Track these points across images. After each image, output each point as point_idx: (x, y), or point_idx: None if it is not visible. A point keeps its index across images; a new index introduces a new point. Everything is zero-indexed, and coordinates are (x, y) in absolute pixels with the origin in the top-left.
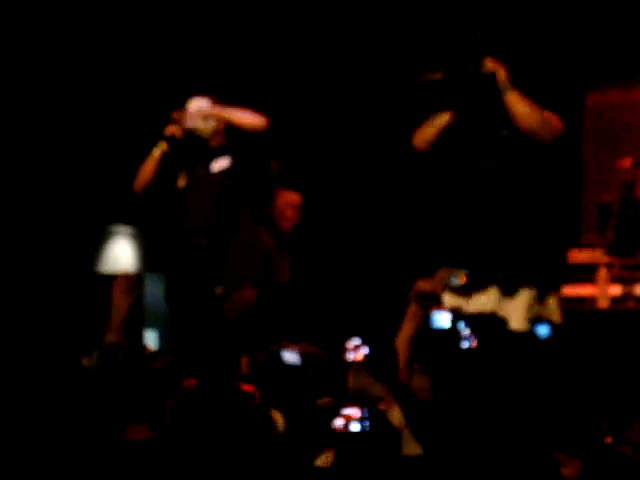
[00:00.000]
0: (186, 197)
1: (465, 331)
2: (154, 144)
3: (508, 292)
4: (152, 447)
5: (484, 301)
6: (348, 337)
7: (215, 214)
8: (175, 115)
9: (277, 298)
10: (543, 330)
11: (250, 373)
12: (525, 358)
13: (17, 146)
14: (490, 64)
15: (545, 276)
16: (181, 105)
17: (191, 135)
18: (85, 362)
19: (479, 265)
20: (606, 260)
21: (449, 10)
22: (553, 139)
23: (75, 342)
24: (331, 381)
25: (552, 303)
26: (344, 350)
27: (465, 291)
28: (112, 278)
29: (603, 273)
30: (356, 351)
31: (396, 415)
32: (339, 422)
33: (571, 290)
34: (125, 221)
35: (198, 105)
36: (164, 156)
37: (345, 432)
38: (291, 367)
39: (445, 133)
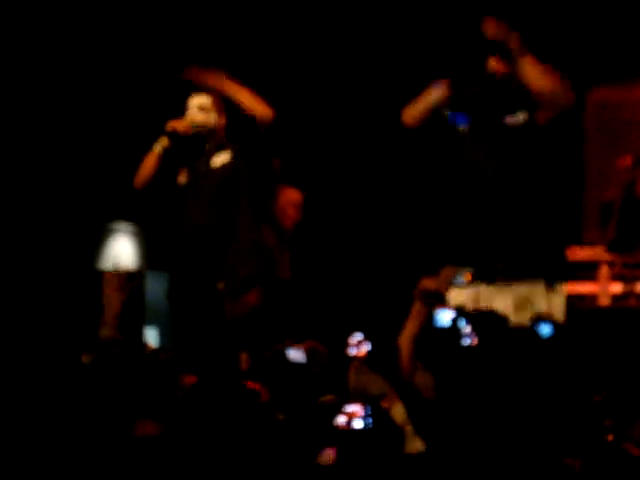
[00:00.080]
0: (187, 193)
1: (466, 329)
2: (155, 140)
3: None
4: (159, 443)
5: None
6: (350, 334)
7: (216, 209)
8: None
9: (278, 295)
10: (545, 329)
11: (254, 370)
12: (526, 356)
13: (18, 144)
14: (493, 62)
15: (547, 273)
16: (182, 101)
17: (192, 131)
18: (85, 359)
19: (483, 263)
20: (607, 258)
21: (450, 8)
22: (567, 105)
23: (76, 339)
24: (334, 379)
25: (555, 301)
26: (346, 346)
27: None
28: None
29: (604, 271)
30: (359, 347)
31: (399, 412)
32: (342, 419)
33: (572, 287)
34: (126, 219)
35: (199, 101)
36: (165, 152)
37: (348, 429)
38: (296, 365)
39: (448, 130)
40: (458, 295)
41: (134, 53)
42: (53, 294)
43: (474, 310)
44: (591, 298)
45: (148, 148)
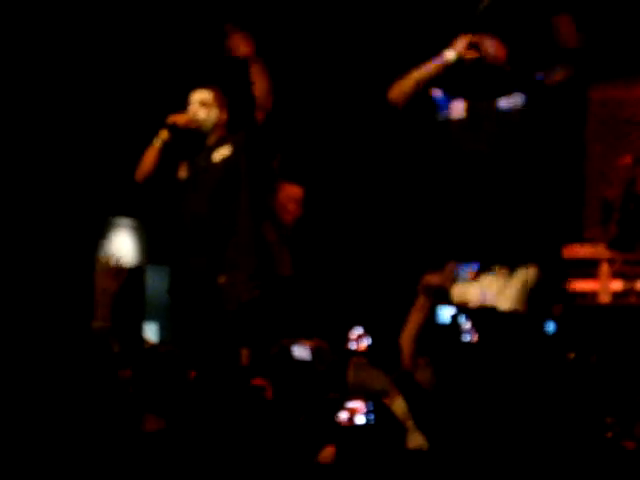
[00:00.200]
0: (187, 188)
1: (466, 325)
2: (155, 134)
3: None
4: (162, 438)
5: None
6: (350, 328)
7: (216, 204)
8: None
9: (279, 292)
10: (549, 326)
11: (258, 367)
12: (527, 351)
13: (18, 138)
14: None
15: (546, 266)
16: (183, 96)
17: (193, 126)
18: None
19: (486, 259)
20: (608, 255)
21: (452, 6)
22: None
23: (76, 337)
24: (339, 377)
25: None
26: (347, 340)
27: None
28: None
29: (605, 268)
30: (359, 341)
31: (400, 407)
32: (343, 416)
33: (573, 285)
34: (127, 213)
35: (201, 96)
36: (165, 146)
37: (350, 426)
38: (301, 363)
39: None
40: (462, 291)
41: (135, 48)
42: (54, 289)
43: (476, 306)
44: (591, 295)
45: (149, 142)
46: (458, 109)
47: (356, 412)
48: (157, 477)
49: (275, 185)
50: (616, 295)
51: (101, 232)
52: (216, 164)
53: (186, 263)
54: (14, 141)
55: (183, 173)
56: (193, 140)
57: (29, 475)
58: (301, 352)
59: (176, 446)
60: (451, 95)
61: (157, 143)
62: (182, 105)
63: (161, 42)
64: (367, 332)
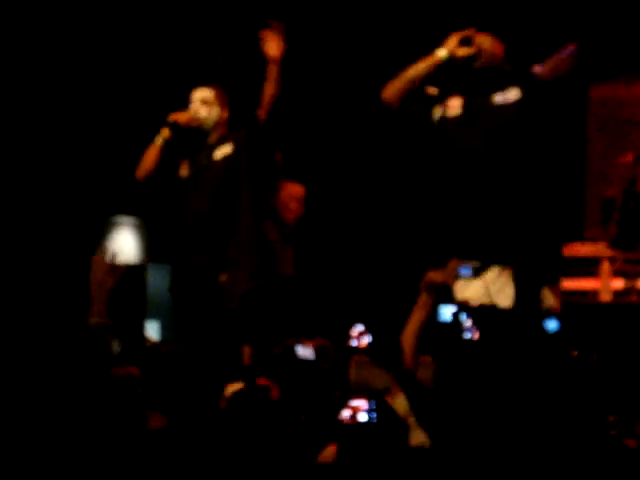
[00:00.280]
0: (189, 186)
1: (467, 323)
2: (157, 133)
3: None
4: (165, 436)
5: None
6: (352, 326)
7: (217, 202)
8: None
9: (281, 291)
10: (551, 324)
11: (262, 367)
12: (528, 349)
13: (19, 137)
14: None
15: (545, 264)
16: (185, 95)
17: (194, 123)
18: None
19: (488, 256)
20: (609, 254)
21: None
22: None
23: (77, 336)
24: (342, 375)
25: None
26: (348, 337)
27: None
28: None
29: (606, 267)
30: (360, 338)
31: (401, 404)
32: (346, 414)
33: (574, 283)
34: (128, 211)
35: (202, 94)
36: (166, 144)
37: (352, 424)
38: (305, 362)
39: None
40: (463, 289)
41: (137, 47)
42: (55, 288)
43: (477, 305)
44: (592, 294)
45: (150, 141)
46: (454, 106)
47: (358, 410)
48: (160, 475)
49: (277, 183)
50: (617, 294)
51: (100, 230)
52: (217, 162)
53: (187, 261)
54: (16, 142)
55: (184, 171)
56: (194, 138)
57: (29, 475)
58: (305, 352)
59: (180, 444)
60: (447, 92)
61: (158, 141)
62: (183, 103)
63: (162, 41)
64: (368, 329)
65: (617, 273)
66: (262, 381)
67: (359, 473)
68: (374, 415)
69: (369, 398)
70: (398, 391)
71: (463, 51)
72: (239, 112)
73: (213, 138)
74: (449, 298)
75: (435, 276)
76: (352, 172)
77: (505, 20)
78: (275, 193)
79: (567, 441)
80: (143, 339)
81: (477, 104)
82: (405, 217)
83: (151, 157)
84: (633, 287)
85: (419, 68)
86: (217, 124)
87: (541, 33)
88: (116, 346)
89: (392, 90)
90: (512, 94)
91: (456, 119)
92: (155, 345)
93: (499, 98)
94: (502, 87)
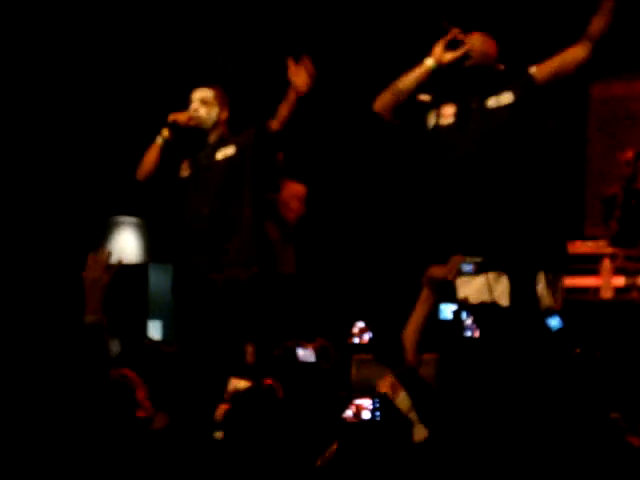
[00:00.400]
0: (189, 186)
1: (468, 321)
2: (157, 133)
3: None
4: (167, 435)
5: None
6: (353, 323)
7: (218, 202)
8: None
9: (282, 290)
10: (554, 322)
11: (264, 367)
12: (529, 347)
13: (21, 138)
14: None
15: (547, 261)
16: (185, 95)
17: (193, 123)
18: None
19: (490, 252)
20: (610, 251)
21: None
22: None
23: (78, 336)
24: (344, 375)
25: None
26: (350, 335)
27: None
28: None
29: (607, 264)
30: (361, 335)
31: (403, 400)
32: (349, 412)
33: (575, 281)
34: (129, 212)
35: (202, 94)
36: (166, 144)
37: (356, 422)
38: (305, 364)
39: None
40: (465, 286)
41: (138, 48)
42: (57, 289)
43: (478, 302)
44: (593, 291)
45: (150, 141)
46: (447, 114)
47: (362, 409)
48: (163, 474)
49: (278, 183)
50: (618, 290)
51: (102, 230)
52: (219, 162)
53: (188, 261)
54: (18, 142)
55: (185, 171)
56: (194, 138)
57: (29, 475)
58: (305, 354)
59: (182, 443)
60: (441, 97)
61: (158, 141)
62: (184, 104)
63: (162, 41)
64: (369, 326)
65: (618, 270)
66: (268, 381)
67: (363, 471)
68: (377, 414)
69: (372, 396)
70: (400, 389)
71: (450, 56)
72: (245, 113)
73: (213, 138)
74: (451, 295)
75: (437, 272)
76: (353, 170)
77: (502, 20)
78: (276, 192)
79: (570, 438)
80: (144, 339)
81: (470, 109)
82: (407, 214)
83: (151, 157)
84: (634, 284)
85: (409, 79)
86: (217, 124)
87: (541, 33)
88: (115, 345)
89: (383, 102)
90: (505, 98)
91: (449, 127)
92: (157, 345)
93: (492, 102)
94: (496, 91)
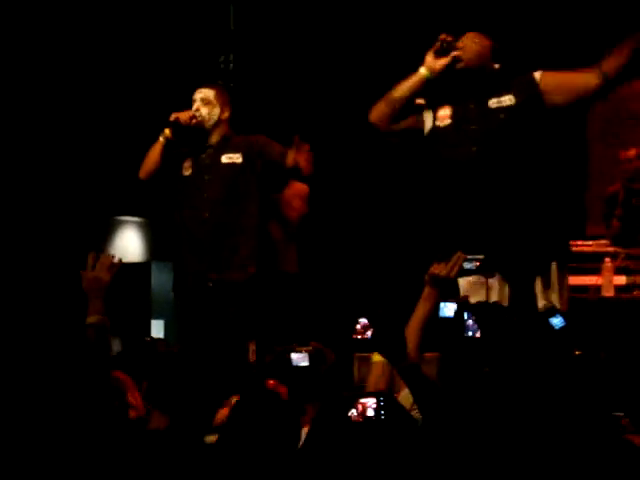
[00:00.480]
0: (191, 185)
1: (469, 320)
2: (159, 132)
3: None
4: (167, 435)
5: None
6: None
7: (221, 201)
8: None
9: (285, 288)
10: (557, 321)
11: (264, 369)
12: (532, 347)
13: (23, 138)
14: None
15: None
16: (187, 95)
17: (195, 122)
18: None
19: (492, 251)
20: (611, 250)
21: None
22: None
23: (81, 337)
24: (343, 375)
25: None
26: (353, 332)
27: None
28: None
29: (608, 263)
30: (363, 332)
31: (406, 397)
32: (354, 412)
33: (576, 280)
34: (132, 211)
35: (204, 94)
36: (168, 143)
37: (361, 421)
38: (299, 368)
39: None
40: (466, 284)
41: (140, 48)
42: (59, 288)
43: (478, 302)
44: (595, 290)
45: (152, 141)
46: (443, 117)
47: (366, 407)
48: (163, 475)
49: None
50: (619, 290)
51: (105, 230)
52: (223, 167)
53: (188, 261)
54: (20, 143)
55: (187, 171)
56: (197, 137)
57: (29, 475)
58: (298, 358)
59: (181, 444)
60: (438, 100)
61: (161, 141)
62: (186, 104)
63: (164, 41)
64: (371, 323)
65: (619, 269)
66: (272, 382)
67: (367, 469)
68: (382, 412)
69: (377, 395)
70: (402, 386)
71: (441, 62)
72: (253, 116)
73: (215, 138)
74: (453, 292)
75: (439, 269)
76: (355, 169)
77: (505, 22)
78: (279, 191)
79: (573, 438)
80: (147, 337)
81: (468, 110)
82: (409, 212)
83: (154, 157)
84: (635, 283)
85: (403, 89)
86: (218, 123)
87: (540, 33)
88: (116, 344)
89: (379, 112)
90: (507, 99)
91: (446, 129)
92: (158, 344)
93: (493, 103)
94: (496, 91)
